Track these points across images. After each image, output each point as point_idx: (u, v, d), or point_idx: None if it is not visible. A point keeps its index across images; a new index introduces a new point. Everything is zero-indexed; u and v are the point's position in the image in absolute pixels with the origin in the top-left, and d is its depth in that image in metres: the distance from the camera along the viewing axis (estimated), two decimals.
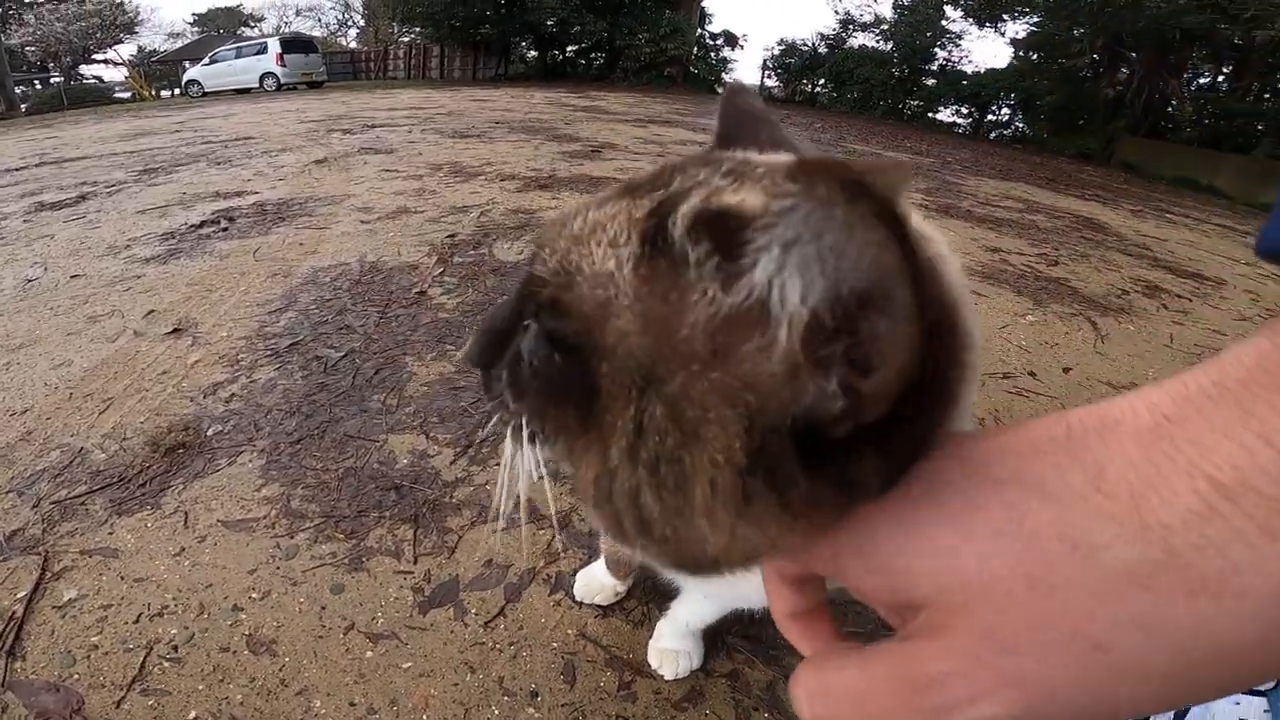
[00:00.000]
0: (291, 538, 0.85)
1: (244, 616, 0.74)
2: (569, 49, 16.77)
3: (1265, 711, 0.62)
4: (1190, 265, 3.09)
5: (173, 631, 0.72)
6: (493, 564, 0.84)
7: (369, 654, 0.70)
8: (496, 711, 0.66)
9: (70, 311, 1.61)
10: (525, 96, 9.50)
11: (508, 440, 0.24)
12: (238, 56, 13.99)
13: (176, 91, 16.38)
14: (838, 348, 0.15)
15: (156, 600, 0.76)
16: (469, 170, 3.39)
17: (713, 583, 0.52)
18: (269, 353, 1.36)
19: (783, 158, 0.22)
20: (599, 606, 0.78)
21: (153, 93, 16.25)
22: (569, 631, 0.76)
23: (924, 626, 0.16)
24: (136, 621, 0.73)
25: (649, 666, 0.72)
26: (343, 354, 1.34)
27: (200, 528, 0.86)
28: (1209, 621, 0.14)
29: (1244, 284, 2.92)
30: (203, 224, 2.37)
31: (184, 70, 15.93)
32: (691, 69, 15.67)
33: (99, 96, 15.75)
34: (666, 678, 0.71)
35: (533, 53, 17.38)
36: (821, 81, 15.00)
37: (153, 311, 1.58)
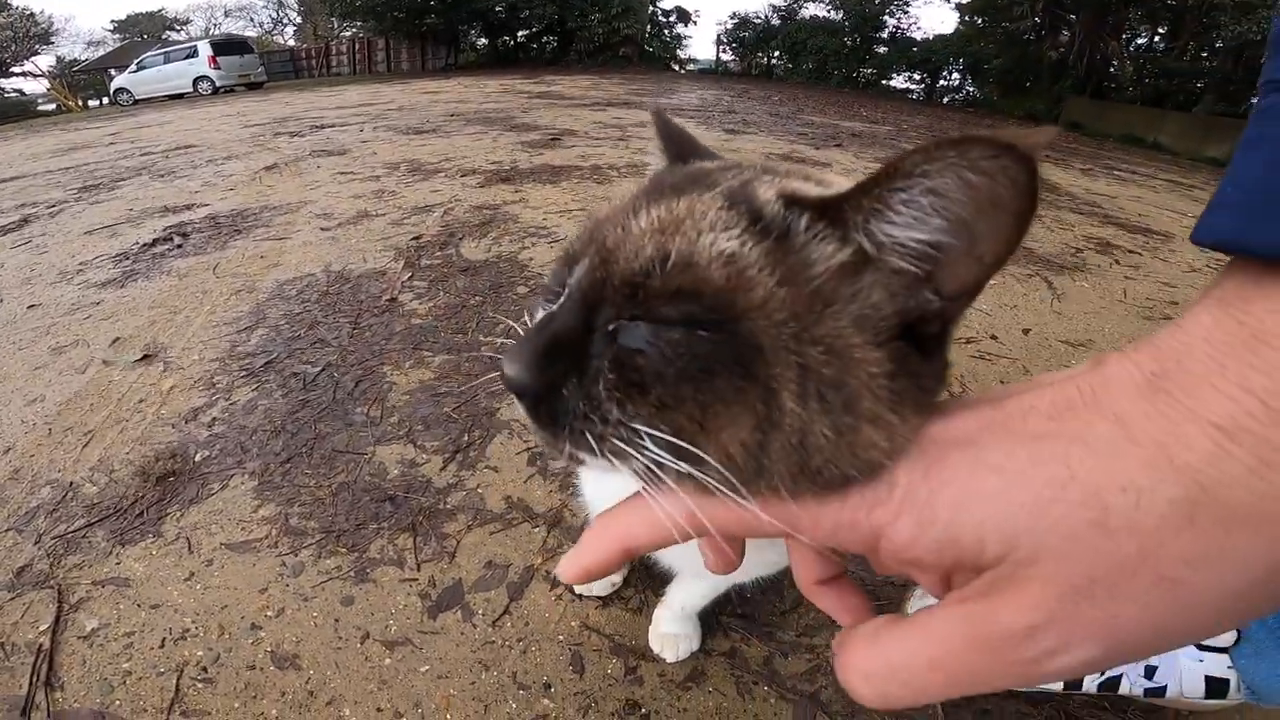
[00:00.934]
0: (296, 555, 0.88)
1: (264, 634, 0.77)
2: (520, 34, 16.56)
3: (1229, 667, 0.70)
4: (1139, 221, 3.22)
5: (199, 653, 0.75)
6: (493, 565, 0.88)
7: (387, 661, 0.74)
8: (514, 705, 0.70)
9: (33, 344, 1.59)
10: (479, 86, 9.38)
11: (599, 456, 0.24)
12: (167, 61, 13.54)
13: (105, 100, 15.80)
14: (934, 269, 0.21)
15: (177, 625, 0.78)
16: (428, 167, 3.37)
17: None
18: (244, 373, 1.36)
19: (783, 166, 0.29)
20: (598, 598, 0.83)
21: (79, 103, 15.65)
22: (573, 624, 0.80)
23: (998, 582, 0.17)
24: (162, 646, 0.76)
25: (652, 651, 0.77)
26: (320, 369, 1.36)
27: (205, 552, 0.89)
28: (1254, 550, 0.15)
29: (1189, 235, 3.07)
30: (155, 242, 2.33)
31: (110, 79, 15.37)
32: (646, 47, 15.61)
33: (21, 110, 15.13)
34: (669, 661, 0.76)
35: (483, 40, 17.12)
36: (776, 54, 15.07)
37: (119, 339, 1.57)
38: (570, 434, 0.24)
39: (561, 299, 0.26)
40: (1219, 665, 0.65)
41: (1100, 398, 0.18)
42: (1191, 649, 0.65)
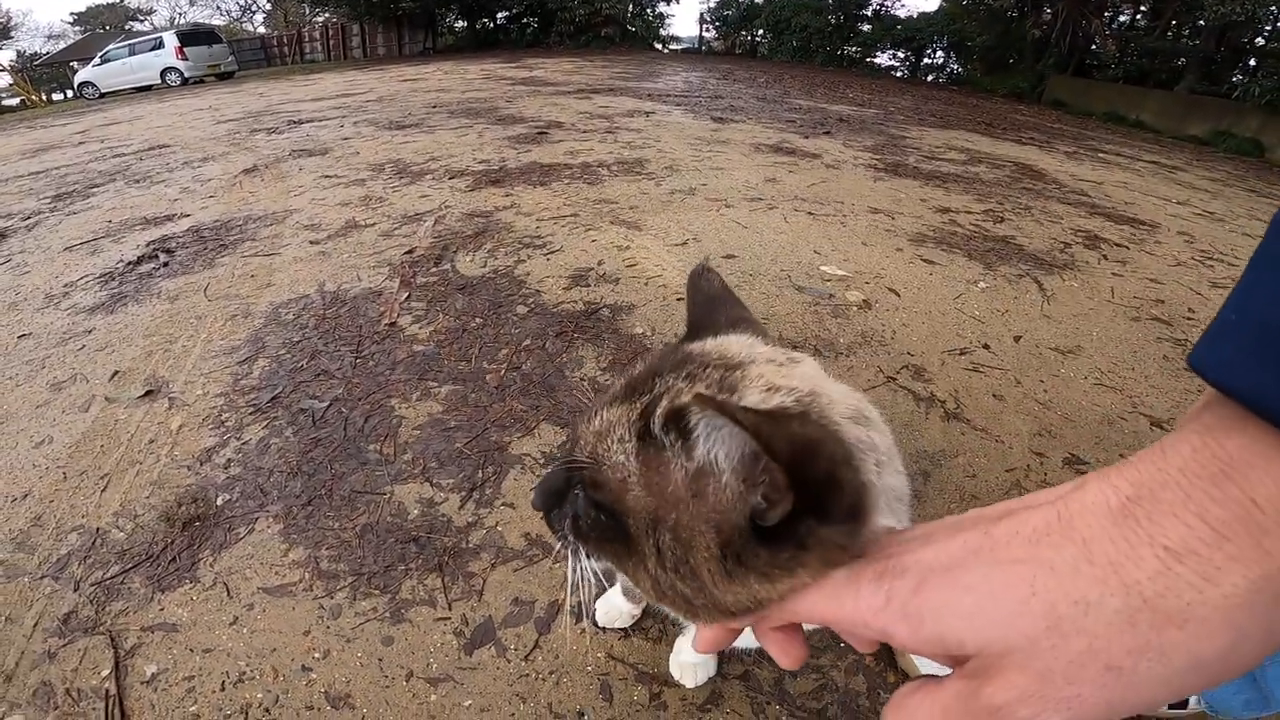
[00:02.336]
0: (331, 597, 0.94)
1: (314, 675, 0.83)
2: (499, 15, 16.38)
3: (1197, 700, 0.80)
4: (1126, 210, 3.33)
5: (259, 695, 0.81)
6: (520, 601, 0.95)
7: (433, 697, 0.81)
8: None
9: (30, 380, 1.62)
10: (459, 72, 9.31)
11: (570, 557, 0.39)
12: (132, 54, 13.31)
13: (69, 94, 15.51)
14: (756, 476, 0.28)
15: (232, 668, 0.85)
16: (414, 169, 3.39)
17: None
18: (252, 409, 1.42)
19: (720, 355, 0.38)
20: (620, 630, 0.90)
21: (43, 98, 15.34)
22: (599, 655, 0.88)
23: (979, 669, 0.23)
24: (223, 689, 0.82)
25: (673, 678, 0.84)
26: (327, 404, 1.41)
27: (244, 596, 0.95)
28: (1180, 645, 0.20)
29: (1177, 225, 3.17)
30: (140, 260, 2.36)
31: (74, 72, 15.10)
32: (629, 27, 15.51)
33: None
34: (689, 686, 0.83)
35: (461, 23, 16.92)
36: (760, 32, 15.05)
37: (118, 373, 1.61)
38: (559, 537, 0.40)
39: (559, 461, 0.41)
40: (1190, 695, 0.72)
41: (1074, 523, 0.22)
42: None
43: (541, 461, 1.22)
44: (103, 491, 1.20)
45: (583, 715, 0.81)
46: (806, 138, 4.47)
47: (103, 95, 13.21)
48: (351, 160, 3.68)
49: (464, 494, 1.16)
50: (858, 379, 1.48)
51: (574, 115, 4.99)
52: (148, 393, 1.50)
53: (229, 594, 0.96)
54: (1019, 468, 1.24)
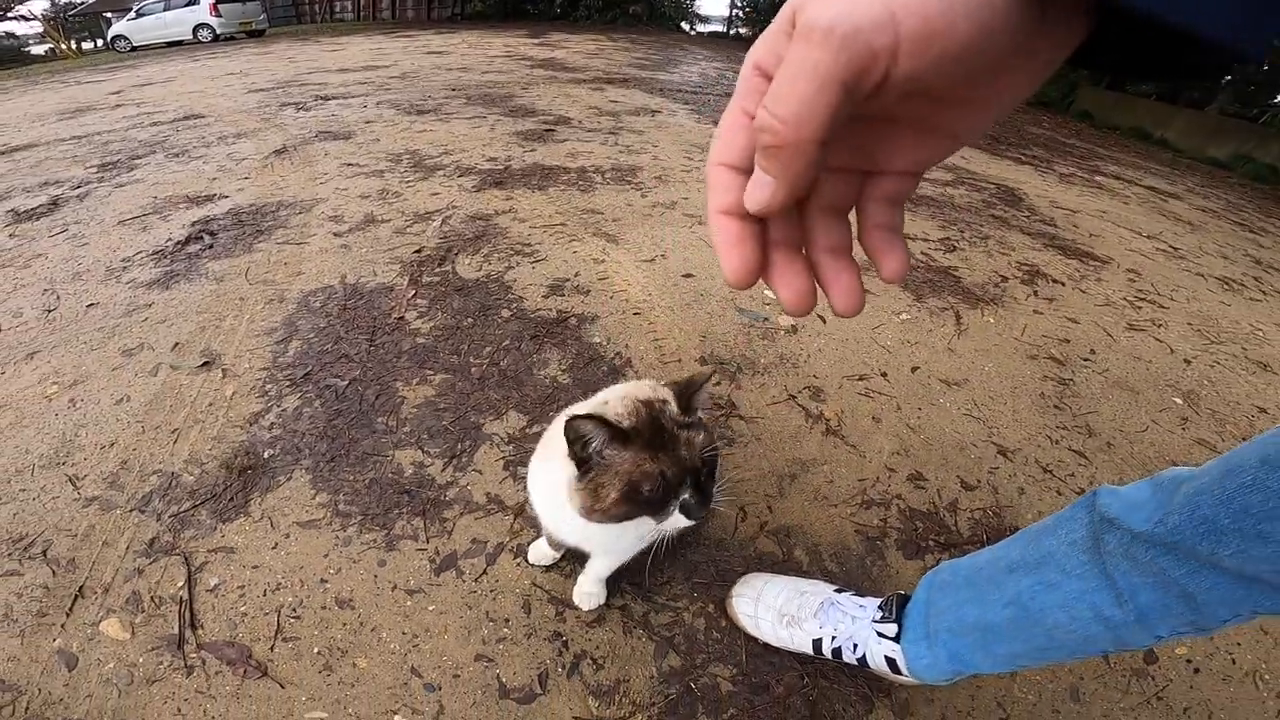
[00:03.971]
0: (344, 530, 1.39)
1: (329, 585, 1.28)
2: None
3: (898, 652, 1.03)
4: (1085, 243, 3.64)
5: (289, 599, 1.26)
6: (477, 541, 1.38)
7: (408, 603, 1.25)
8: (486, 631, 1.22)
9: (102, 345, 2.06)
10: (483, 46, 9.65)
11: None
12: (167, 8, 13.72)
13: (99, 44, 15.94)
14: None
15: (271, 580, 1.29)
16: (428, 163, 3.81)
17: (610, 544, 1.06)
18: (289, 383, 1.85)
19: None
20: (543, 567, 1.34)
21: (74, 47, 15.80)
22: (526, 582, 1.31)
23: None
24: (264, 595, 1.26)
25: (574, 603, 1.28)
26: (347, 383, 1.85)
27: (283, 528, 1.39)
28: None
29: (1129, 261, 3.48)
30: (188, 240, 2.79)
31: (107, 23, 15.57)
32: (657, 7, 15.68)
33: (14, 56, 15.31)
34: (584, 610, 1.26)
35: None
36: None
37: (178, 344, 2.05)
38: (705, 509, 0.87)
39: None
40: (893, 650, 1.05)
41: None
42: (874, 634, 1.07)
43: (506, 440, 1.65)
44: (174, 443, 1.64)
45: (508, 621, 1.25)
46: None
47: (134, 49, 13.65)
48: (372, 148, 4.09)
49: (446, 460, 1.59)
50: (765, 395, 1.89)
51: (583, 110, 5.36)
52: (205, 364, 1.94)
53: (272, 526, 1.40)
54: (869, 478, 1.65)
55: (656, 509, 0.84)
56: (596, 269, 2.55)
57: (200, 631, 1.21)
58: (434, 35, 11.51)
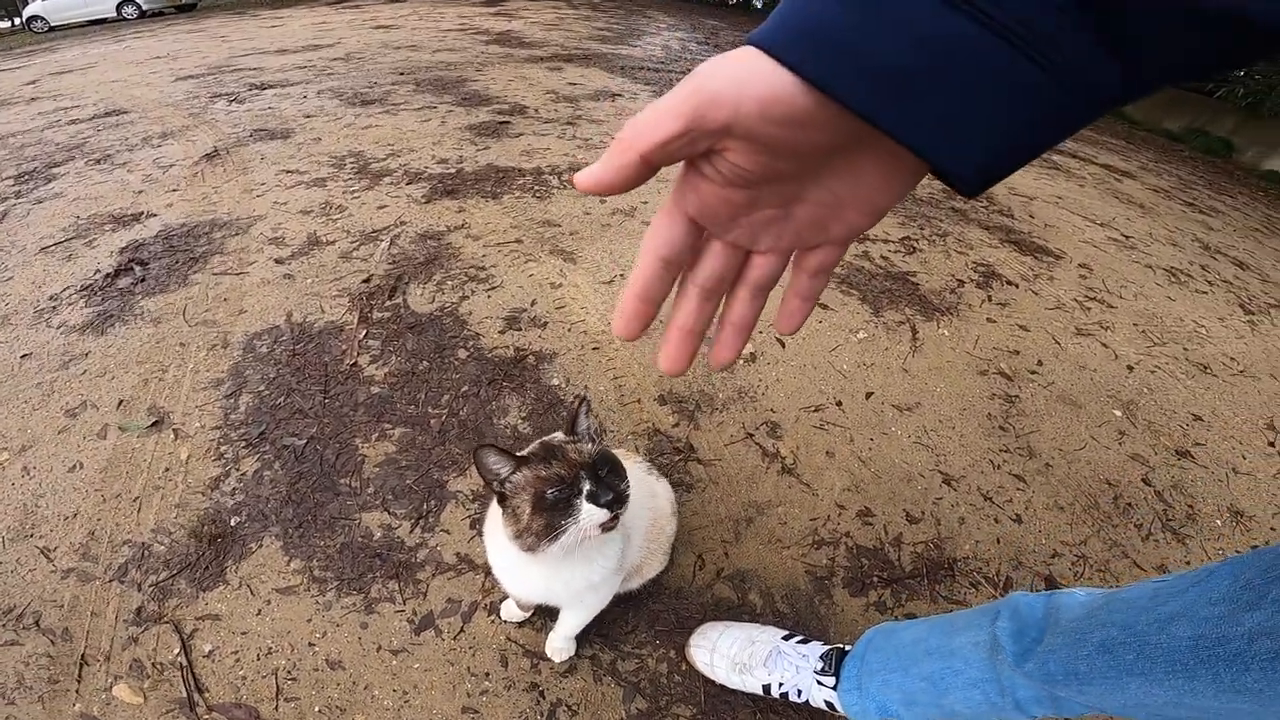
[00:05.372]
0: (324, 595, 1.59)
1: (318, 648, 1.49)
2: None
3: (834, 697, 1.34)
4: (1040, 237, 3.94)
5: (282, 662, 1.46)
6: (451, 600, 1.60)
7: (394, 662, 1.47)
8: (469, 685, 1.44)
9: (44, 404, 2.20)
10: (435, 17, 9.61)
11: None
12: None
13: (15, 22, 15.34)
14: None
15: (262, 645, 1.49)
16: (374, 167, 3.93)
17: (571, 595, 1.29)
18: (244, 443, 2.03)
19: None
20: (516, 623, 1.56)
21: None
22: (501, 637, 1.54)
23: None
24: (259, 659, 1.47)
25: (546, 655, 1.51)
26: (305, 442, 2.03)
27: (263, 594, 1.59)
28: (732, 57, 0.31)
29: (1081, 255, 3.80)
30: (117, 272, 2.90)
31: (24, 2, 15.00)
32: None
33: None
34: (556, 662, 1.50)
35: None
36: None
37: (123, 401, 2.19)
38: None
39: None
40: (832, 696, 1.33)
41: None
42: (816, 683, 1.33)
43: (471, 498, 1.86)
44: (138, 512, 1.81)
45: (488, 675, 1.47)
46: None
47: (52, 29, 13.24)
48: (313, 150, 4.18)
49: (413, 521, 1.80)
50: (723, 435, 2.14)
51: (540, 96, 5.52)
52: (154, 423, 2.10)
53: (252, 593, 1.60)
54: (820, 517, 1.91)
55: (565, 510, 1.06)
56: (553, 296, 2.75)
57: (208, 694, 1.41)
58: (384, 4, 11.37)
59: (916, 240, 3.62)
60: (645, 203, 3.62)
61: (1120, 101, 0.30)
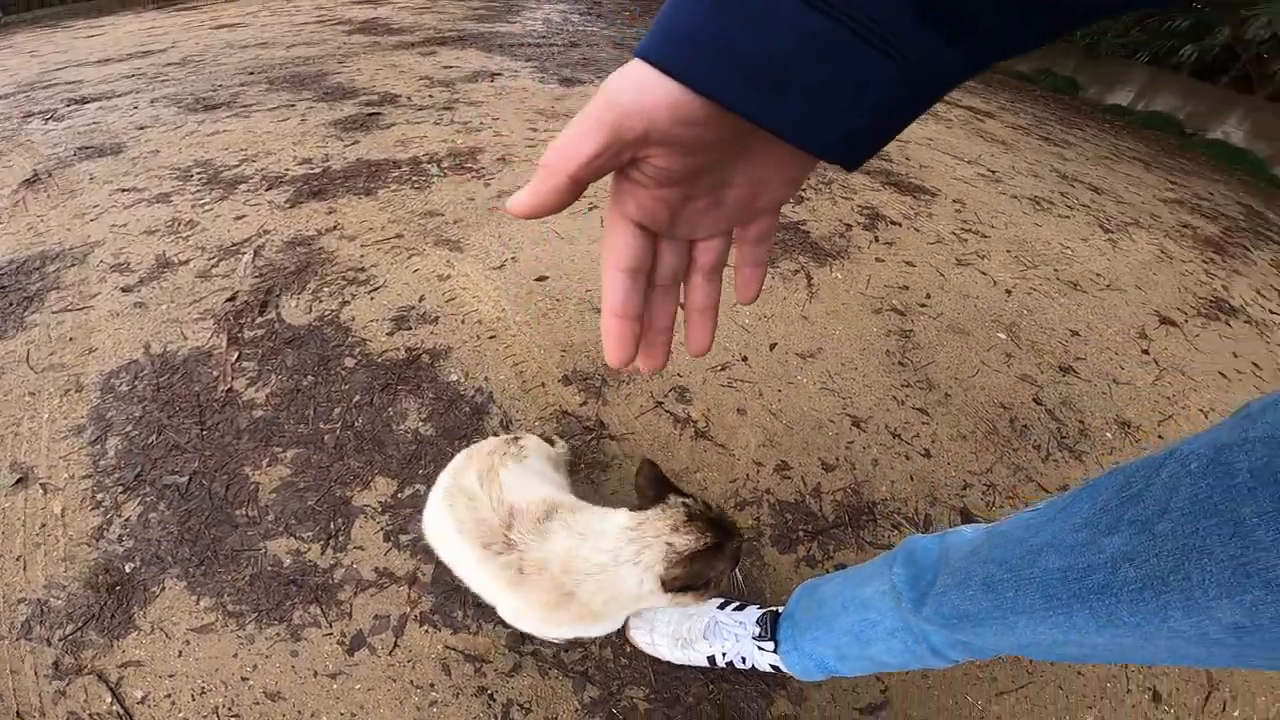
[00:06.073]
0: (244, 629, 1.58)
1: (252, 682, 1.49)
2: None
3: (776, 659, 1.41)
4: (918, 177, 4.21)
5: (220, 700, 1.46)
6: (379, 617, 1.62)
7: (334, 686, 1.49)
8: (416, 699, 1.48)
9: None
10: (288, 12, 9.04)
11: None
12: None
13: None
14: None
15: (195, 685, 1.48)
16: (226, 175, 3.73)
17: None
18: (121, 488, 1.95)
19: None
20: (451, 629, 1.61)
21: None
22: (439, 646, 1.58)
23: None
24: (194, 700, 1.46)
25: (489, 657, 1.56)
26: (187, 478, 1.97)
27: (179, 635, 1.57)
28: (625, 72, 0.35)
29: (955, 191, 4.09)
30: None
31: None
32: None
33: None
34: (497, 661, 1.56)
35: None
36: None
37: None
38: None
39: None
40: (774, 659, 1.37)
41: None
42: (756, 649, 1.40)
43: (380, 510, 1.87)
44: (25, 570, 1.73)
45: (433, 686, 1.51)
46: None
47: None
48: (151, 163, 3.92)
49: (322, 543, 1.80)
50: (632, 407, 2.22)
51: (413, 83, 5.36)
52: (19, 480, 1.98)
53: (167, 636, 1.57)
54: (740, 478, 2.02)
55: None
56: (442, 288, 2.75)
57: None
58: (226, 2, 10.61)
59: (804, 189, 3.79)
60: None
61: (963, 80, 0.34)
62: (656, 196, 0.41)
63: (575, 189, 0.38)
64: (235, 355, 2.44)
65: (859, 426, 2.24)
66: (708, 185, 0.42)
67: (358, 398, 2.24)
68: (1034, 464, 2.21)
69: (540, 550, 1.15)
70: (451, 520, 1.23)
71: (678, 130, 0.35)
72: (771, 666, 1.43)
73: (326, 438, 2.10)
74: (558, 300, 2.71)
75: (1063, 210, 4.14)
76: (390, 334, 2.52)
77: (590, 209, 3.36)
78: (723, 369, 2.43)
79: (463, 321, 2.58)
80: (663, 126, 0.35)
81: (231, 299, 2.73)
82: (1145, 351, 2.88)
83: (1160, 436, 2.42)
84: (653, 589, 1.06)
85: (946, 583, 0.90)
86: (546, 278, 2.83)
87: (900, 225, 3.57)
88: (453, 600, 1.66)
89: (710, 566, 1.06)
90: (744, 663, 1.48)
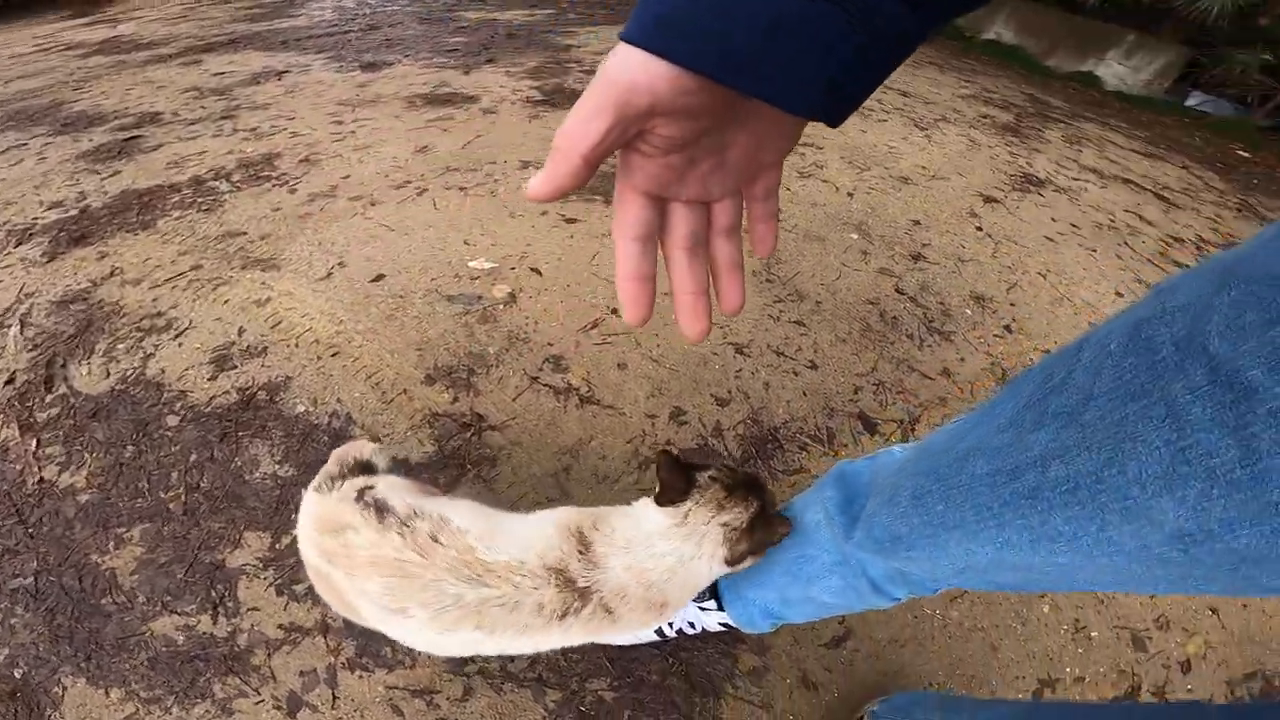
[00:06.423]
0: (169, 713, 1.51)
1: None
2: None
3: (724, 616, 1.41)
4: None
5: None
6: (304, 673, 1.58)
7: None
8: None
9: None
10: None
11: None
12: None
13: None
14: None
15: None
16: None
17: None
18: None
19: None
20: (386, 668, 1.59)
21: None
22: (380, 688, 1.56)
23: None
24: None
25: (436, 686, 1.55)
26: (32, 578, 1.81)
27: None
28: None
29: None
30: None
31: None
32: None
33: None
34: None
35: None
36: None
37: None
38: None
39: None
40: (722, 617, 1.39)
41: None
42: (697, 608, 1.44)
43: (262, 566, 1.80)
44: None
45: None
46: (467, 73, 5.00)
47: None
48: None
49: (210, 613, 1.71)
50: (507, 390, 2.21)
51: (177, 97, 4.90)
52: None
53: None
54: (636, 436, 2.07)
55: None
56: (263, 314, 2.60)
57: None
58: None
59: None
60: (347, 176, 3.48)
61: (922, 39, 0.41)
62: (663, 164, 0.47)
63: (588, 169, 0.42)
64: (34, 443, 2.23)
65: (743, 353, 2.35)
66: (710, 146, 0.47)
67: (194, 456, 2.10)
68: (911, 354, 2.42)
69: (610, 580, 1.11)
70: (513, 624, 1.08)
71: (681, 100, 0.40)
72: (721, 625, 1.47)
73: (172, 505, 1.97)
74: (401, 298, 2.63)
75: (880, 115, 4.70)
76: (213, 378, 2.36)
77: (421, 193, 3.29)
78: (593, 326, 2.46)
79: (296, 345, 2.46)
80: (667, 97, 0.40)
81: (10, 381, 2.47)
82: (979, 229, 3.26)
83: (1012, 304, 2.72)
84: (721, 568, 1.10)
85: (876, 502, 0.91)
86: (383, 276, 2.75)
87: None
88: (376, 639, 1.64)
89: (771, 531, 1.06)
90: (693, 628, 1.54)
